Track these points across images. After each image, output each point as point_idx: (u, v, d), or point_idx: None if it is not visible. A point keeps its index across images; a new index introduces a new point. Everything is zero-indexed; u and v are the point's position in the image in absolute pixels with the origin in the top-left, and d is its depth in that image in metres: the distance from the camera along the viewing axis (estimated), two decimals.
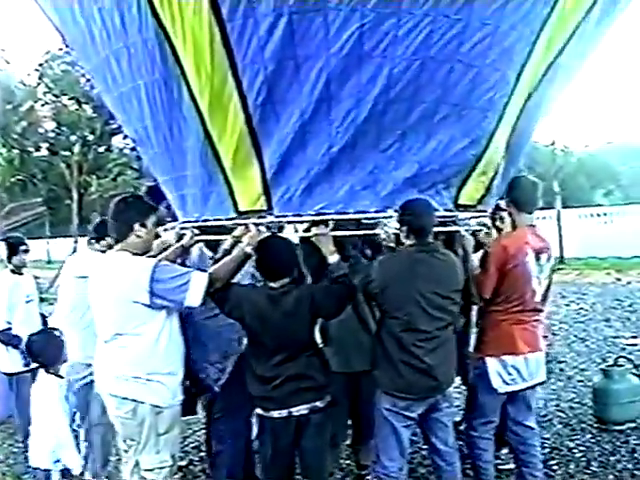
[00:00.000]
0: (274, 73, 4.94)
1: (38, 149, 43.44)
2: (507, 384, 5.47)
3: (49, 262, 41.44)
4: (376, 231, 5.39)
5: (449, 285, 5.18)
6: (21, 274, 7.54)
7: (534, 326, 5.55)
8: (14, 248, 7.51)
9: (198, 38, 4.91)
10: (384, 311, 5.21)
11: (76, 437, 5.51)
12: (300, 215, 5.35)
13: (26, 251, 7.59)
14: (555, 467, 6.48)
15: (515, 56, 5.30)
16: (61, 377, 5.67)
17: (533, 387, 5.65)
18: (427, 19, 4.82)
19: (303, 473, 5.19)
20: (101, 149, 42.14)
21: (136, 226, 4.94)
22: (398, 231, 5.26)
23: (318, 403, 4.98)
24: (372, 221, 5.45)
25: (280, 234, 5.69)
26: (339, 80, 4.96)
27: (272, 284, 5.05)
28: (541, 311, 5.62)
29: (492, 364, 5.45)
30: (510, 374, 5.44)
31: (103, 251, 6.22)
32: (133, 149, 37.27)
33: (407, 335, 5.05)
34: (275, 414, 4.95)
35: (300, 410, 4.92)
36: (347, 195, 5.26)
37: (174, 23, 4.93)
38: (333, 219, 5.30)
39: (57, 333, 5.78)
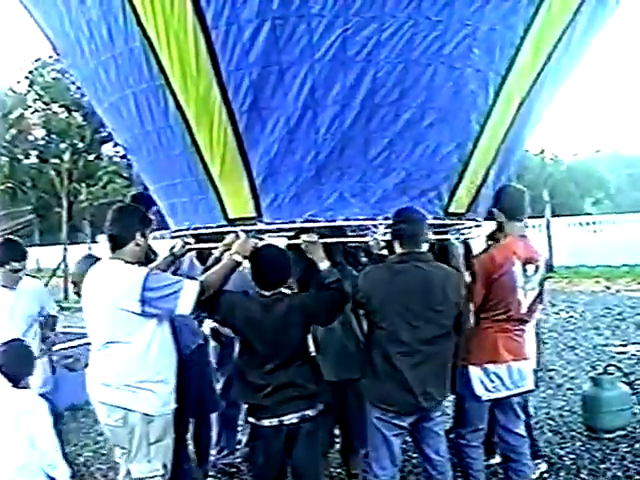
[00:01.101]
0: (259, 79, 4.93)
1: (27, 157, 43.26)
2: (490, 391, 5.48)
3: (39, 270, 41.24)
4: (365, 239, 5.38)
5: (436, 297, 5.10)
6: None
7: (518, 335, 5.56)
8: None
9: (183, 45, 4.90)
10: (372, 321, 5.18)
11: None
12: (292, 222, 5.33)
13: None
14: (545, 475, 6.47)
15: (497, 58, 5.29)
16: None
17: (519, 395, 5.64)
18: (409, 22, 4.82)
19: None
20: (91, 157, 42.03)
21: (137, 235, 4.97)
22: (387, 238, 5.25)
23: (309, 412, 4.95)
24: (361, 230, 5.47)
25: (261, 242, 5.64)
26: (324, 86, 4.96)
27: (264, 292, 5.03)
28: (526, 322, 5.62)
29: (474, 372, 5.45)
30: (493, 381, 5.46)
31: None
32: (123, 157, 37.22)
33: (391, 346, 5.02)
34: (266, 422, 4.92)
35: (291, 419, 4.89)
36: (336, 202, 5.25)
37: (158, 32, 4.91)
38: (323, 226, 5.27)
39: (27, 344, 5.51)
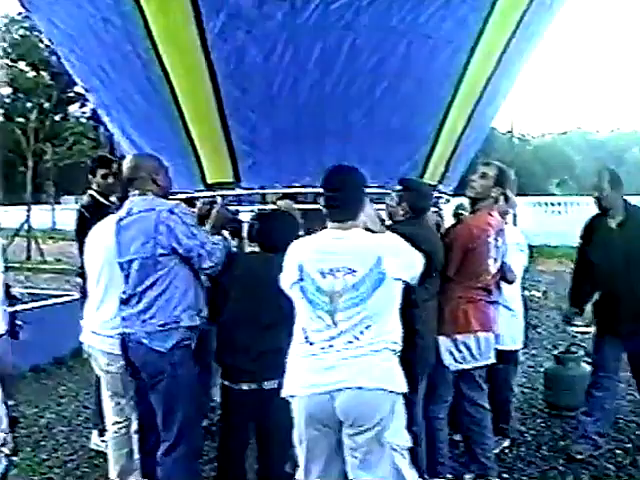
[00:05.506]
0: (243, 43, 4.92)
1: None
2: (457, 362, 5.47)
3: (0, 229, 40.90)
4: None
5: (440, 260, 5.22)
6: None
7: (486, 305, 5.56)
8: None
9: (170, 9, 4.91)
10: None
11: None
12: (271, 187, 5.37)
13: None
14: (507, 450, 6.50)
15: (468, 28, 5.37)
16: None
17: (483, 367, 5.65)
18: None
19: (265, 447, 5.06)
20: (57, 117, 41.62)
21: None
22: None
23: None
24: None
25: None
26: (305, 52, 4.98)
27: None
28: (491, 291, 5.63)
29: (444, 342, 5.45)
30: (461, 352, 5.45)
31: None
32: (90, 118, 36.88)
33: None
34: (244, 387, 4.86)
35: (272, 384, 4.80)
36: (315, 169, 5.18)
37: None
38: (301, 192, 5.27)
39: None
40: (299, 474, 4.25)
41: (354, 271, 3.85)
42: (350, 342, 3.86)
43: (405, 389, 4.01)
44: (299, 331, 4.01)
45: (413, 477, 4.11)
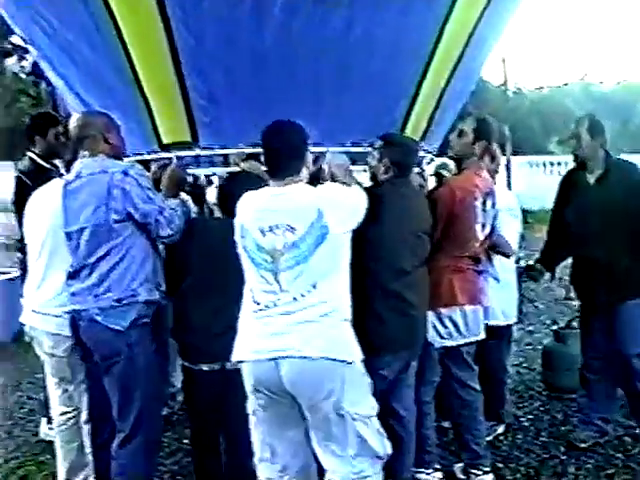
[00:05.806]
0: None
1: None
2: (443, 338, 5.46)
3: None
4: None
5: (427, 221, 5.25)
6: None
7: (473, 275, 5.55)
8: None
9: None
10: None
11: None
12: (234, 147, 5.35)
13: None
14: (501, 437, 6.53)
15: None
16: None
17: (471, 345, 5.63)
18: None
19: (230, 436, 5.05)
20: None
21: None
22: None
23: None
24: None
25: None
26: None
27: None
28: (479, 260, 5.61)
29: (428, 316, 5.42)
30: (446, 327, 5.44)
31: None
32: (30, 73, 36.45)
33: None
34: (205, 367, 4.83)
35: (234, 364, 4.76)
36: None
37: None
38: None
39: None
40: (255, 450, 4.37)
41: (294, 228, 3.98)
42: (295, 300, 3.99)
43: (358, 357, 4.12)
44: (248, 292, 4.15)
45: (380, 444, 4.26)
